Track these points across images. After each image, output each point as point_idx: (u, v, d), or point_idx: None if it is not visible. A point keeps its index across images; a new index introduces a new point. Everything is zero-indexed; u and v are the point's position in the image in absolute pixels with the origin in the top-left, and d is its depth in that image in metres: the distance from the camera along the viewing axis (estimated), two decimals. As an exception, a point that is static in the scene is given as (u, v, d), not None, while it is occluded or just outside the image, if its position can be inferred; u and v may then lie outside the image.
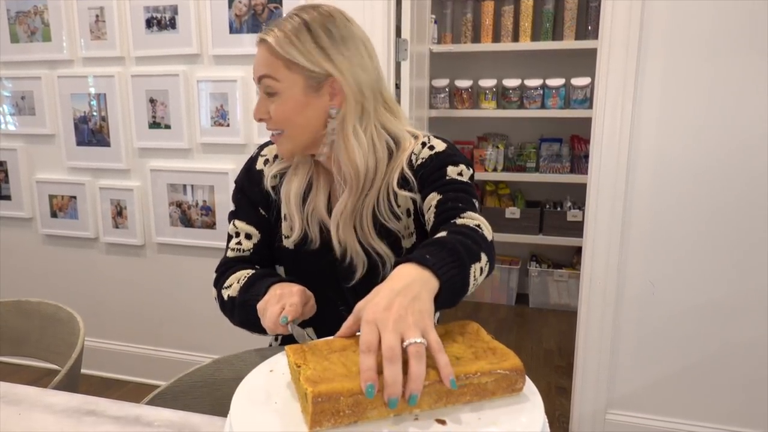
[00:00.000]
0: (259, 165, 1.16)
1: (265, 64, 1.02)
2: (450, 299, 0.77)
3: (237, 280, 1.08)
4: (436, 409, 0.64)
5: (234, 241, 1.16)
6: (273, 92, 1.02)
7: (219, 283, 1.12)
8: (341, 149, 1.04)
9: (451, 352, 0.67)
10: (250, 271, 1.09)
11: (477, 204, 1.00)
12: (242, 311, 1.04)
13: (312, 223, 1.10)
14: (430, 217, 1.00)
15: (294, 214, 1.10)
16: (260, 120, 1.05)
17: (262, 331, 0.98)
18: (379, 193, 1.06)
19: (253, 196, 1.15)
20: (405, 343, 0.63)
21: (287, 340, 1.17)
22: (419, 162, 1.06)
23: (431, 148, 1.07)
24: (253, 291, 1.02)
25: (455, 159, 1.05)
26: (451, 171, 1.04)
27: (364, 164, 1.03)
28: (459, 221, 0.93)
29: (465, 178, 1.04)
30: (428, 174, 1.04)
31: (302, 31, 1.01)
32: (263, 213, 1.15)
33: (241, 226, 1.15)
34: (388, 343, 0.62)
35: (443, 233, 0.87)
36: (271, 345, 1.22)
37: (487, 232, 0.92)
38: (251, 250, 1.15)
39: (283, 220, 1.12)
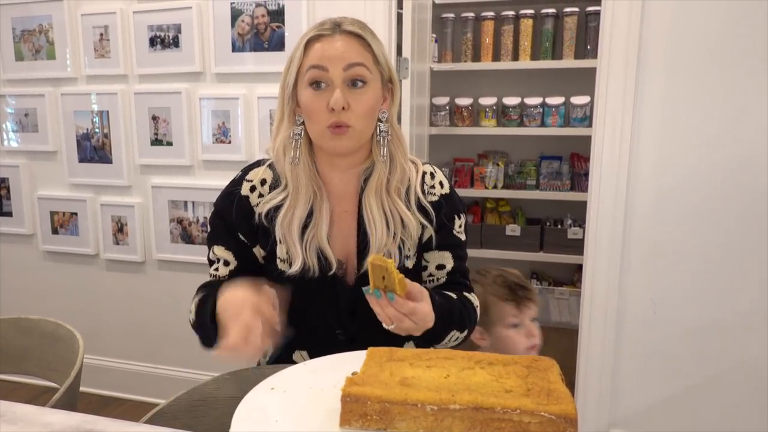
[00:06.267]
0: (244, 191, 1.11)
1: (357, 53, 1.02)
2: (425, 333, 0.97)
3: (194, 305, 1.11)
4: None
5: (213, 267, 1.15)
6: (363, 81, 1.02)
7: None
8: (397, 148, 1.10)
9: (505, 384, 0.67)
10: (201, 295, 1.11)
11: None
12: (200, 332, 1.09)
13: (310, 251, 1.07)
14: (438, 275, 1.15)
15: (296, 243, 1.06)
16: (342, 108, 1.00)
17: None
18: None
19: (233, 222, 1.11)
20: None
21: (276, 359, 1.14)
22: (434, 199, 1.14)
23: (441, 184, 1.16)
24: (203, 311, 1.06)
25: (458, 207, 1.17)
26: (457, 225, 1.16)
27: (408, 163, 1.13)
28: (468, 296, 1.15)
29: (463, 233, 1.18)
30: (441, 222, 1.13)
31: (375, 33, 1.07)
32: (243, 239, 1.12)
33: (219, 252, 1.13)
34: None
35: (454, 295, 1.12)
36: (259, 364, 1.19)
37: (476, 313, 1.16)
38: (227, 276, 1.13)
39: (278, 242, 1.09)
